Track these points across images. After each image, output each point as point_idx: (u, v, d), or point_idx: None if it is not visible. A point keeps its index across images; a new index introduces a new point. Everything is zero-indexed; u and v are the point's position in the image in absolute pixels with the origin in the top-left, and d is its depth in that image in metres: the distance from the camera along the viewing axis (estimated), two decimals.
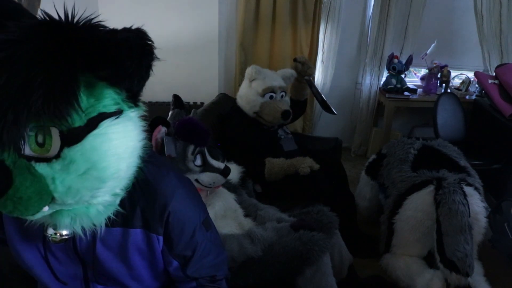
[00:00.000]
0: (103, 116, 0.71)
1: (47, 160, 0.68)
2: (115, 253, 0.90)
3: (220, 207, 1.52)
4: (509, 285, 2.03)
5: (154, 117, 1.38)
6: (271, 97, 2.20)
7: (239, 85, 2.38)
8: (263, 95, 2.19)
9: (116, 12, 2.78)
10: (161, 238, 0.92)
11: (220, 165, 1.50)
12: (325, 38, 3.31)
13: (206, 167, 1.47)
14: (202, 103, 2.85)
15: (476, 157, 2.68)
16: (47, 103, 0.61)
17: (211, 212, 1.46)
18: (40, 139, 0.66)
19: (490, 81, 2.91)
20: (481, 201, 1.94)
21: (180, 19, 2.83)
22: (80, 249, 0.90)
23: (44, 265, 0.92)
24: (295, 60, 2.37)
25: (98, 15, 0.71)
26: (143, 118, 0.82)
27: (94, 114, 0.70)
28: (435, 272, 1.79)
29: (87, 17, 0.70)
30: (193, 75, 2.97)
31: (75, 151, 0.68)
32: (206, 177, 1.46)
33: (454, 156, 2.17)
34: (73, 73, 0.64)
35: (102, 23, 0.70)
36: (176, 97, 1.85)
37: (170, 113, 1.83)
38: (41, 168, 0.68)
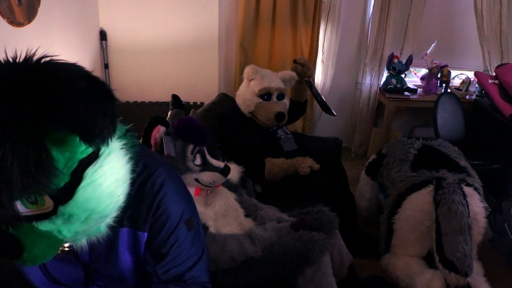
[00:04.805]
0: (84, 163, 0.70)
1: (47, 216, 0.69)
2: (106, 251, 0.91)
3: (221, 206, 1.52)
4: (509, 285, 2.03)
5: (153, 117, 1.38)
6: (267, 98, 2.20)
7: (239, 85, 2.38)
8: (259, 95, 2.19)
9: (116, 13, 2.78)
10: (146, 234, 0.93)
11: (219, 164, 1.50)
12: (325, 38, 3.31)
13: (205, 166, 1.47)
14: (202, 103, 2.85)
15: (476, 157, 2.67)
16: (26, 181, 0.59)
17: (212, 212, 1.46)
18: (31, 199, 0.67)
19: (490, 81, 2.91)
20: (481, 201, 1.94)
21: (180, 19, 2.83)
22: (81, 256, 0.91)
23: (40, 271, 0.94)
24: (294, 61, 2.37)
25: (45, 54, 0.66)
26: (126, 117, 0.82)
27: (75, 165, 0.68)
28: (435, 272, 1.79)
29: (29, 61, 0.64)
30: (193, 75, 2.97)
31: (70, 207, 0.69)
32: (206, 177, 1.46)
33: (454, 156, 2.17)
34: (39, 141, 0.61)
35: (50, 60, 0.65)
36: (175, 97, 1.85)
37: (169, 113, 1.83)
38: (44, 226, 0.69)
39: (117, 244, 0.91)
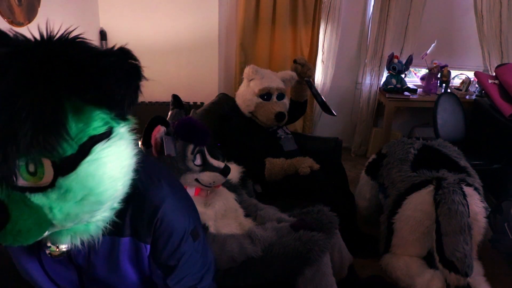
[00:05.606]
0: (94, 140, 0.69)
1: (42, 189, 0.66)
2: (106, 260, 0.91)
3: (221, 206, 1.52)
4: (509, 285, 2.03)
5: (153, 117, 1.38)
6: (267, 98, 2.20)
7: (239, 85, 2.39)
8: (259, 95, 2.19)
9: (117, 13, 2.78)
10: (148, 246, 0.92)
11: (220, 164, 1.50)
12: (325, 38, 3.31)
13: (206, 166, 1.47)
14: (202, 103, 2.85)
15: (476, 157, 2.67)
16: (36, 137, 0.59)
17: (211, 212, 1.46)
18: (31, 168, 0.65)
19: (490, 81, 2.91)
20: (481, 201, 1.94)
21: (180, 19, 2.83)
22: (75, 258, 0.90)
23: (42, 272, 0.93)
24: (294, 61, 2.37)
25: (77, 32, 0.69)
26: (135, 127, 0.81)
27: (85, 139, 0.68)
28: (435, 272, 1.79)
29: (64, 36, 0.67)
30: (193, 75, 2.97)
31: (70, 180, 0.67)
32: (206, 177, 1.46)
33: (454, 156, 2.16)
34: (58, 102, 0.62)
35: (83, 39, 0.69)
36: (175, 97, 1.85)
37: (169, 113, 1.83)
38: (37, 198, 0.66)
39: (117, 253, 0.90)
